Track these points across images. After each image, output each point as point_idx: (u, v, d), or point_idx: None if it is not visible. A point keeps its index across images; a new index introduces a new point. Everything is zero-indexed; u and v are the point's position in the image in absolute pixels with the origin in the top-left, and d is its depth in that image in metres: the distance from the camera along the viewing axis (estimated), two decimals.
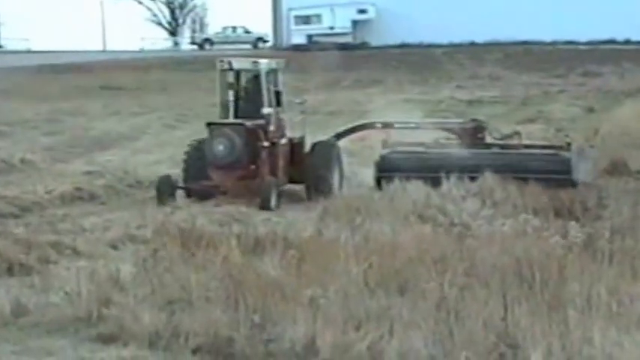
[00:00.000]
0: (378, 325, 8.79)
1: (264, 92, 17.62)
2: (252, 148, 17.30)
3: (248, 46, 66.16)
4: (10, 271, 11.91)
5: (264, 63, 18.05)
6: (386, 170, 18.12)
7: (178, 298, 9.90)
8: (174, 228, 13.41)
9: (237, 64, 18.15)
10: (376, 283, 9.93)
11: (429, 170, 17.36)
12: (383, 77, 44.48)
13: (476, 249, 11.14)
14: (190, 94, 37.17)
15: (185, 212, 15.61)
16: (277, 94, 17.96)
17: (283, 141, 18.08)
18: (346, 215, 14.33)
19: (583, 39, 54.14)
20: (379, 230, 12.63)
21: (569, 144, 19.01)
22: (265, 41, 68.35)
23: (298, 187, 18.21)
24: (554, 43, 54.47)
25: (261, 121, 17.51)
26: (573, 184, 17.22)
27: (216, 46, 67.03)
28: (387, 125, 20.24)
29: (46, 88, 39.68)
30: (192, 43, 74.52)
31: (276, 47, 63.73)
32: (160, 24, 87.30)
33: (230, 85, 17.82)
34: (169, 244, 11.89)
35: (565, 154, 18.52)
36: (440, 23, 56.55)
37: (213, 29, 77.95)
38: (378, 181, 18.03)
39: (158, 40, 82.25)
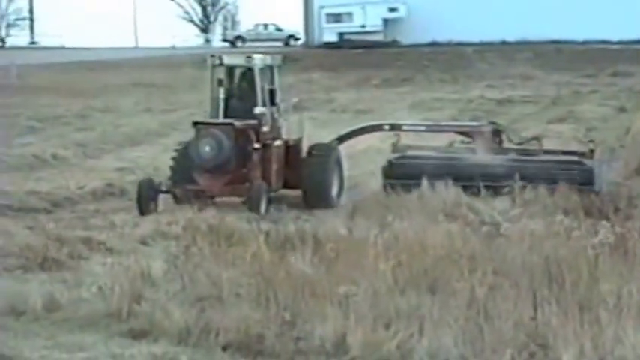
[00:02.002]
0: (408, 323, 8.79)
1: (258, 90, 16.55)
2: (242, 151, 16.15)
3: (279, 44, 66.24)
4: (42, 266, 12.02)
5: (257, 59, 16.90)
6: (394, 177, 17.11)
7: (209, 294, 9.95)
8: (204, 225, 13.51)
9: (228, 59, 17.14)
10: (406, 281, 9.93)
11: (441, 178, 16.46)
12: (413, 76, 44.39)
13: (506, 248, 11.12)
14: None
15: (214, 209, 15.60)
16: (272, 92, 16.79)
17: (277, 143, 16.86)
18: (376, 213, 14.31)
19: (614, 39, 53.76)
20: (409, 229, 12.56)
21: (592, 151, 17.91)
22: (297, 39, 68.37)
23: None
24: (585, 43, 54.11)
25: (252, 122, 16.37)
26: (595, 194, 16.22)
27: (247, 44, 67.16)
28: (395, 127, 19.05)
29: (79, 84, 39.90)
30: (224, 40, 74.61)
31: (307, 45, 63.75)
32: (191, 21, 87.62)
33: (220, 82, 16.76)
34: (199, 241, 11.96)
35: (587, 162, 17.47)
36: (471, 22, 56.35)
37: (244, 27, 78.08)
38: (386, 189, 16.92)
39: (190, 38, 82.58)
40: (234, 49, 60.94)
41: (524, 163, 17.46)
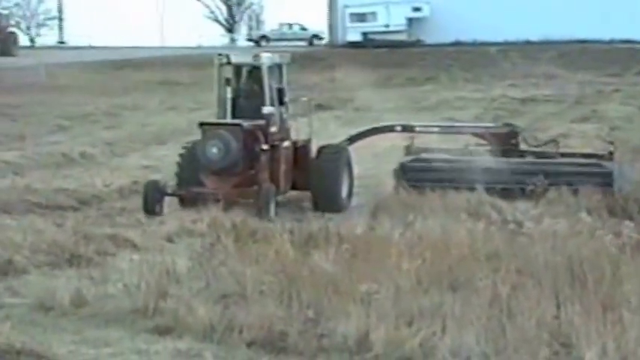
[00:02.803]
0: (431, 321, 8.84)
1: (266, 90, 16.00)
2: (249, 152, 15.65)
3: (304, 43, 66.37)
4: (70, 262, 12.14)
5: (265, 57, 16.39)
6: (406, 180, 16.69)
7: (233, 291, 10.04)
8: (229, 222, 13.60)
9: (235, 58, 16.52)
10: (429, 279, 9.98)
11: (455, 182, 16.14)
12: (437, 75, 44.41)
13: (529, 247, 11.16)
14: None
15: (238, 208, 15.65)
16: (280, 91, 16.29)
17: (286, 144, 16.37)
18: (399, 212, 14.35)
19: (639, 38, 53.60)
20: (432, 227, 12.61)
21: (611, 152, 17.30)
22: (321, 38, 68.54)
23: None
24: (610, 42, 53.90)
25: (260, 122, 15.86)
26: (619, 195, 15.85)
27: (272, 43, 67.34)
28: (407, 128, 18.49)
29: (106, 83, 40.19)
30: (249, 39, 74.86)
31: (331, 44, 63.84)
32: (217, 20, 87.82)
33: (227, 82, 16.27)
34: (224, 238, 12.06)
35: (607, 164, 16.91)
36: (494, 21, 56.29)
37: (269, 26, 78.24)
38: (398, 191, 16.46)
39: (215, 37, 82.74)
40: (258, 49, 61.05)
41: (540, 166, 16.97)
